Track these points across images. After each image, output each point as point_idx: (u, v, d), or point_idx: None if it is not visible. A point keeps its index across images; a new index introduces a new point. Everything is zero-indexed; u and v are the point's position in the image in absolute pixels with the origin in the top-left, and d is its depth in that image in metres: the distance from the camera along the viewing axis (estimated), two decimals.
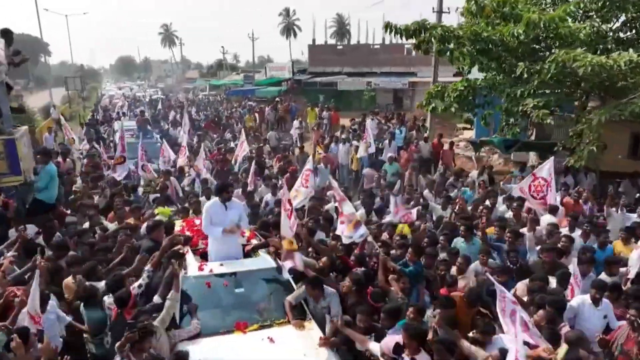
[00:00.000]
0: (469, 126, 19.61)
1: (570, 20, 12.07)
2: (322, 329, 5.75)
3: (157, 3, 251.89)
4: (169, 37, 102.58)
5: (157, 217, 8.17)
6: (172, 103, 34.99)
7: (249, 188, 10.89)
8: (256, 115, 25.67)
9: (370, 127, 14.70)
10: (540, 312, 5.35)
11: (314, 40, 50.81)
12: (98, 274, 6.05)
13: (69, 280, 6.02)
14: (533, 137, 14.54)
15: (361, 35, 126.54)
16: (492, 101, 13.21)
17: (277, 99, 30.44)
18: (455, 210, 9.57)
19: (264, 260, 6.71)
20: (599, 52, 11.51)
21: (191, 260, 6.50)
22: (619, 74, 10.36)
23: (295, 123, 20.06)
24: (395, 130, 15.95)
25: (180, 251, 6.31)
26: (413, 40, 12.90)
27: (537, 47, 12.09)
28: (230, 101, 39.59)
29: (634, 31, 12.57)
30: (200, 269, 6.29)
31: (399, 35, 12.76)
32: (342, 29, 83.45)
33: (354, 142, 14.64)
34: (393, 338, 4.96)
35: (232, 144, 17.88)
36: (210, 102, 42.12)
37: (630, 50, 10.64)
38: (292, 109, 25.63)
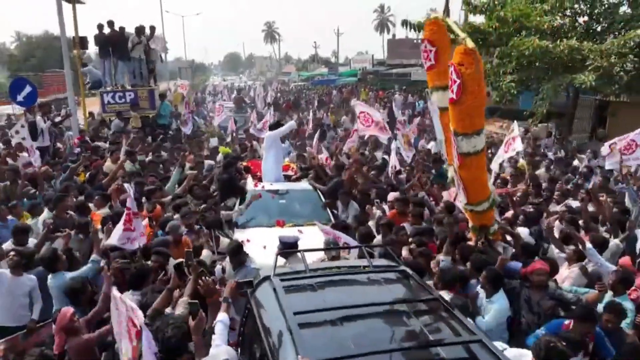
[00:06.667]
0: None
1: (543, 14, 15.48)
2: None
3: (260, 2, 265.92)
4: (271, 34, 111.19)
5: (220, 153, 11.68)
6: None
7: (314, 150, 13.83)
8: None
9: (398, 100, 19.15)
10: None
11: (394, 35, 54.79)
12: None
13: None
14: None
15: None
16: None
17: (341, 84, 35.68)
18: None
19: (303, 185, 9.31)
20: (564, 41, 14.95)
21: (250, 181, 9.29)
22: (563, 57, 14.00)
23: (353, 101, 24.90)
24: (416, 102, 20.30)
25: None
26: None
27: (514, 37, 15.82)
28: (309, 89, 45.26)
29: (604, 24, 15.87)
30: (255, 185, 8.97)
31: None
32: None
33: (380, 111, 19.20)
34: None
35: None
36: (297, 89, 48.06)
37: (574, 39, 14.22)
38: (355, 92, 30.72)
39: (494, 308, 4.74)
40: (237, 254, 5.41)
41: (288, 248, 5.42)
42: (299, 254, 4.28)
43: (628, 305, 4.73)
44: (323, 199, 8.67)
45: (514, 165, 10.99)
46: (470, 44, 4.93)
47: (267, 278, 3.85)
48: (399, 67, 42.68)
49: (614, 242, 6.00)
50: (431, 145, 14.32)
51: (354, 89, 33.52)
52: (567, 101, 17.20)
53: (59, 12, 12.61)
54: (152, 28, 14.57)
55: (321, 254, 5.71)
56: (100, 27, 14.00)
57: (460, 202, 6.25)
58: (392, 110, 18.62)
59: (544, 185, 9.42)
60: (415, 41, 51.46)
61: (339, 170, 9.75)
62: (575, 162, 12.58)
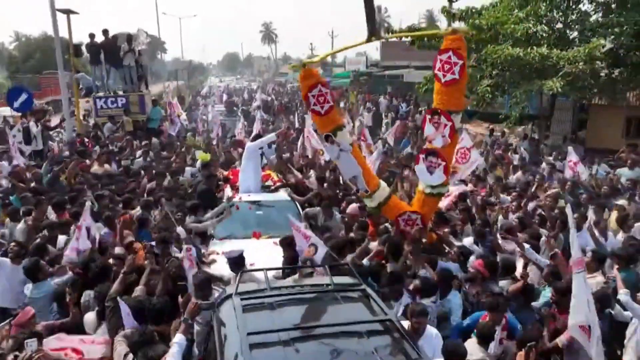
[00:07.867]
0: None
1: (519, 21, 16.09)
2: None
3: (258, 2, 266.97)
4: (268, 35, 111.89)
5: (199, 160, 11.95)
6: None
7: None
8: None
9: (383, 103, 19.88)
10: None
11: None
12: None
13: None
14: None
15: None
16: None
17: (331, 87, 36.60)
18: None
19: (281, 195, 9.12)
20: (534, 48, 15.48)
21: (228, 191, 9.23)
22: (534, 63, 14.63)
23: (341, 104, 25.75)
24: (399, 105, 21.05)
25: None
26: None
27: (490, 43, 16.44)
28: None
29: (576, 32, 16.53)
30: (233, 196, 8.78)
31: None
32: (431, 25, 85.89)
33: (365, 114, 19.93)
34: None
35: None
36: (292, 91, 48.74)
37: (544, 46, 14.86)
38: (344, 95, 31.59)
39: (457, 304, 5.55)
40: (204, 288, 5.07)
41: (233, 263, 5.54)
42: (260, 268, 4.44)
43: None
44: (301, 211, 8.64)
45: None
46: (465, 28, 5.73)
47: (229, 296, 3.94)
48: (392, 69, 43.26)
49: (543, 239, 6.72)
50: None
51: (344, 91, 34.23)
52: (545, 104, 17.87)
53: (53, 21, 13.26)
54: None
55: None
56: (92, 35, 14.78)
57: (429, 186, 6.33)
58: (377, 113, 19.31)
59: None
60: (407, 43, 52.51)
61: (320, 182, 9.80)
62: (543, 164, 13.28)
